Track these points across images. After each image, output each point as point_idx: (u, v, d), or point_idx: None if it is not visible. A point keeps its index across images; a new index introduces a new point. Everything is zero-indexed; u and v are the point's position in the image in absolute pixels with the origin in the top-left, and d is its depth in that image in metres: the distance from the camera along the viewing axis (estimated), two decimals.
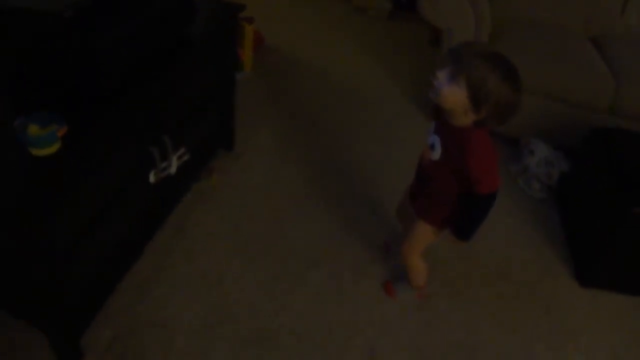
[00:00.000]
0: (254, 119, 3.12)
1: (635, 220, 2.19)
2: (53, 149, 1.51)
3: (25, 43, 1.72)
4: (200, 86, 2.36)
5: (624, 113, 2.94)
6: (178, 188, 2.41)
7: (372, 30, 4.54)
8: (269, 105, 3.30)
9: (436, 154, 1.82)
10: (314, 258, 2.33)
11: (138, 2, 1.92)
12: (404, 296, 2.25)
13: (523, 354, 2.12)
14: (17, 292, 1.82)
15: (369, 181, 2.77)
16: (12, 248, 1.61)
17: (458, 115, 1.68)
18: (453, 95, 1.63)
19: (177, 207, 2.45)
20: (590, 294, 2.40)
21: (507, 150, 3.10)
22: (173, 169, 2.13)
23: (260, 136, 3.00)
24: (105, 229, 1.84)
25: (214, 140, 2.70)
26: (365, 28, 4.56)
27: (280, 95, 3.42)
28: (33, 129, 1.50)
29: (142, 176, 2.00)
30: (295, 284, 2.22)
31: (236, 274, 2.22)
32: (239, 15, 2.53)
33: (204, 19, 2.29)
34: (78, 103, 1.68)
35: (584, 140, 2.70)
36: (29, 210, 1.46)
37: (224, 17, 2.44)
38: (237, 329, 2.03)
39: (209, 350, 1.95)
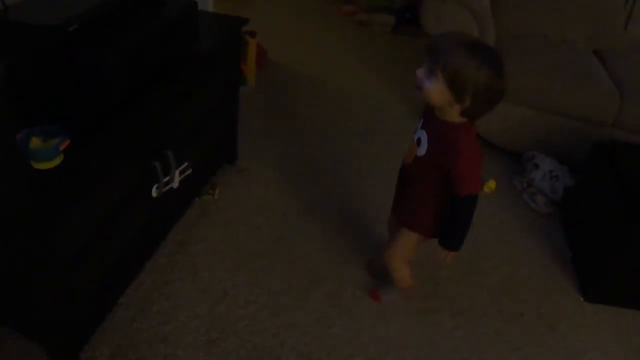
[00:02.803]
0: (257, 132, 3.12)
1: None
2: (55, 162, 1.51)
3: (30, 56, 1.72)
4: (203, 100, 2.36)
5: (628, 127, 2.94)
6: (181, 202, 2.40)
7: (376, 45, 4.54)
8: (272, 119, 3.29)
9: (422, 149, 1.81)
10: (317, 274, 2.32)
11: (141, 16, 1.92)
12: (389, 298, 2.25)
13: None
14: (17, 305, 1.81)
15: (371, 196, 2.75)
16: (12, 260, 1.60)
17: (445, 110, 1.69)
18: (434, 89, 1.63)
19: (180, 221, 2.44)
20: (595, 309, 2.37)
21: (511, 164, 3.09)
22: (176, 183, 2.12)
23: (263, 150, 3.00)
24: (106, 243, 1.83)
25: (217, 154, 2.70)
26: (369, 42, 4.57)
27: (283, 108, 3.42)
28: (35, 142, 1.50)
29: (145, 190, 1.99)
30: (298, 300, 2.21)
31: (239, 289, 2.21)
32: (242, 29, 2.53)
33: (208, 33, 2.29)
34: (81, 116, 1.68)
35: (589, 154, 2.68)
36: (29, 222, 1.45)
37: (228, 31, 2.44)
38: (240, 346, 2.00)
39: None
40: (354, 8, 4.95)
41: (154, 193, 2.02)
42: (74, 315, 1.78)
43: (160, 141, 2.03)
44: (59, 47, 1.65)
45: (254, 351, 2.00)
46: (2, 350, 1.85)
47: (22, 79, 1.78)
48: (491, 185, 2.87)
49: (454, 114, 1.68)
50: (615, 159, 2.47)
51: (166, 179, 2.05)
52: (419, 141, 1.82)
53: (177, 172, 2.11)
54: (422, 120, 1.84)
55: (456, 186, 1.73)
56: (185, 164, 2.17)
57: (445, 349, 2.12)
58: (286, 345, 2.04)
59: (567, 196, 2.80)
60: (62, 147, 1.52)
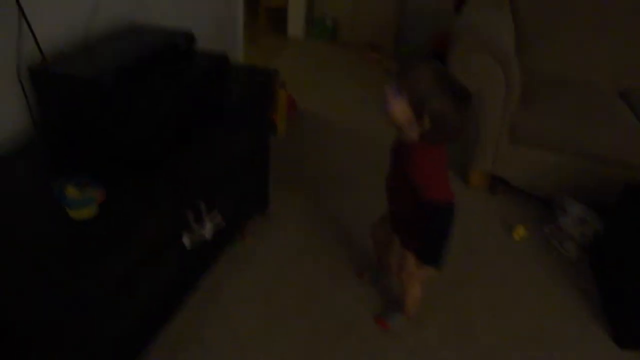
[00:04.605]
0: (289, 181, 3.15)
1: None
2: (90, 211, 1.54)
3: (68, 107, 1.78)
4: (235, 151, 2.39)
5: None
6: (212, 251, 2.42)
7: None
8: (303, 168, 3.32)
9: (391, 171, 1.97)
10: (347, 323, 2.30)
11: (175, 69, 1.97)
12: (396, 323, 2.29)
13: None
14: (46, 354, 1.82)
15: None
16: (44, 306, 1.62)
17: (406, 130, 1.78)
18: (398, 107, 1.75)
19: (211, 270, 2.45)
20: (629, 356, 2.31)
21: (540, 210, 3.07)
22: (208, 234, 2.14)
23: (293, 199, 3.02)
24: (138, 290, 1.85)
25: (249, 203, 2.72)
26: None
27: (313, 157, 3.45)
28: (71, 191, 1.53)
29: (177, 240, 2.01)
30: (328, 349, 2.19)
31: (269, 338, 2.20)
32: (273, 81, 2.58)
33: (239, 84, 2.34)
34: (116, 166, 1.72)
35: (618, 198, 2.65)
36: (63, 269, 1.48)
37: (259, 83, 2.49)
38: None
39: None
40: (381, 56, 5.01)
41: (186, 242, 2.05)
42: None
43: (192, 191, 2.06)
44: (95, 99, 1.70)
45: None
46: None
47: (58, 128, 1.84)
48: (520, 231, 2.85)
49: (413, 135, 1.78)
50: None
51: (198, 228, 2.08)
52: (390, 164, 1.98)
53: (209, 222, 2.13)
54: (392, 144, 1.97)
55: (420, 193, 1.80)
56: (218, 213, 2.19)
57: None
58: None
59: (597, 241, 2.76)
60: (97, 197, 1.55)
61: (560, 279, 2.64)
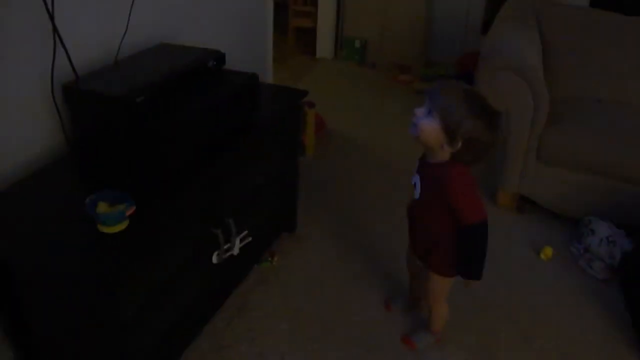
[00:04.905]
0: (317, 201, 3.16)
1: None
2: (121, 227, 1.57)
3: (100, 124, 1.81)
4: (264, 170, 2.41)
5: None
6: (240, 268, 2.44)
7: None
8: (331, 188, 3.34)
9: (417, 193, 1.94)
10: (375, 343, 2.30)
11: (206, 88, 2.00)
12: (424, 343, 2.27)
13: None
14: None
15: None
16: (74, 319, 1.65)
17: (436, 151, 1.81)
18: (429, 129, 1.76)
19: (238, 287, 2.47)
20: None
21: (568, 231, 3.03)
22: (236, 250, 2.16)
23: (322, 219, 3.03)
24: (165, 306, 1.87)
25: (277, 222, 2.74)
26: None
27: (341, 177, 3.46)
28: (102, 207, 1.56)
29: (205, 256, 2.04)
30: None
31: (296, 356, 2.21)
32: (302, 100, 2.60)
33: (269, 105, 2.36)
34: (146, 183, 1.75)
35: None
36: (94, 284, 1.51)
37: (288, 103, 2.51)
38: None
39: None
40: (410, 77, 5.02)
41: (215, 259, 2.07)
42: None
43: (222, 209, 2.09)
44: (126, 117, 1.74)
45: None
46: None
47: (90, 145, 1.87)
48: (547, 252, 2.82)
49: (444, 155, 1.80)
50: None
51: (227, 246, 2.10)
52: (415, 185, 1.95)
53: (237, 240, 2.15)
54: (417, 164, 1.97)
55: (459, 218, 1.83)
56: (246, 231, 2.21)
57: None
58: None
59: (626, 261, 2.72)
60: (128, 213, 1.58)
61: (589, 301, 2.61)
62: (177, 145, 1.81)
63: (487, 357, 2.27)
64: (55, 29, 1.81)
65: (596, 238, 2.78)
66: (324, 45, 5.41)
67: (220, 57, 2.14)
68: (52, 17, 1.78)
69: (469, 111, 1.72)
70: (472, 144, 1.75)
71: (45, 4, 1.75)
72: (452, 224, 1.87)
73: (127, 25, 2.14)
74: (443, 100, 1.75)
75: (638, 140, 2.91)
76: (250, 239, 2.23)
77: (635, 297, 2.57)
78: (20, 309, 1.70)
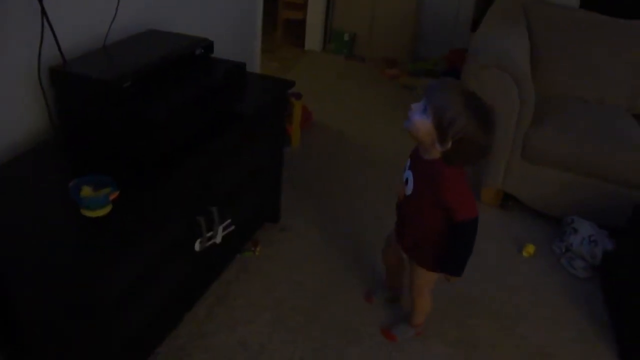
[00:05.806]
0: (301, 192, 3.17)
1: None
2: (104, 211, 1.57)
3: (86, 108, 1.81)
4: (249, 159, 2.41)
5: None
6: (222, 257, 2.44)
7: None
8: (316, 179, 3.34)
9: (409, 189, 1.94)
10: (356, 332, 2.31)
11: (192, 75, 2.00)
12: (404, 336, 2.28)
13: None
14: (54, 354, 1.83)
15: None
16: (55, 306, 1.64)
17: (428, 147, 1.82)
18: (422, 124, 1.77)
19: (221, 276, 2.47)
20: None
21: (550, 229, 3.06)
22: (218, 239, 2.16)
23: (305, 210, 3.03)
24: (147, 292, 1.87)
25: (260, 212, 2.74)
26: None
27: (326, 169, 3.47)
28: (86, 191, 1.56)
29: (188, 244, 2.03)
30: (336, 358, 2.20)
31: (277, 345, 2.21)
32: (289, 91, 2.60)
33: (255, 94, 2.36)
34: (131, 168, 1.75)
35: (629, 219, 2.65)
36: (76, 268, 1.50)
37: (274, 93, 2.51)
38: None
39: None
40: (398, 71, 5.03)
41: (197, 247, 2.07)
42: None
43: (205, 197, 2.09)
44: (112, 101, 1.73)
45: None
46: None
47: (76, 129, 1.87)
48: (529, 249, 2.85)
49: (436, 154, 1.81)
50: None
51: (209, 234, 2.10)
52: (406, 181, 1.95)
53: (220, 228, 2.15)
54: (409, 162, 1.97)
55: (451, 214, 1.84)
56: (229, 220, 2.21)
57: None
58: None
59: (607, 261, 2.75)
60: (111, 197, 1.57)
61: (569, 298, 2.63)
62: (163, 132, 1.80)
63: (467, 350, 2.29)
64: (43, 12, 1.79)
65: (578, 237, 2.80)
66: (313, 37, 5.40)
67: (208, 45, 2.14)
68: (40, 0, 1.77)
69: (463, 111, 1.71)
70: (463, 145, 1.75)
71: None
72: (443, 219, 1.88)
73: (117, 11, 2.12)
74: (439, 98, 1.75)
75: (622, 141, 2.94)
76: (233, 227, 2.23)
77: (614, 295, 2.60)
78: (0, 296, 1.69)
